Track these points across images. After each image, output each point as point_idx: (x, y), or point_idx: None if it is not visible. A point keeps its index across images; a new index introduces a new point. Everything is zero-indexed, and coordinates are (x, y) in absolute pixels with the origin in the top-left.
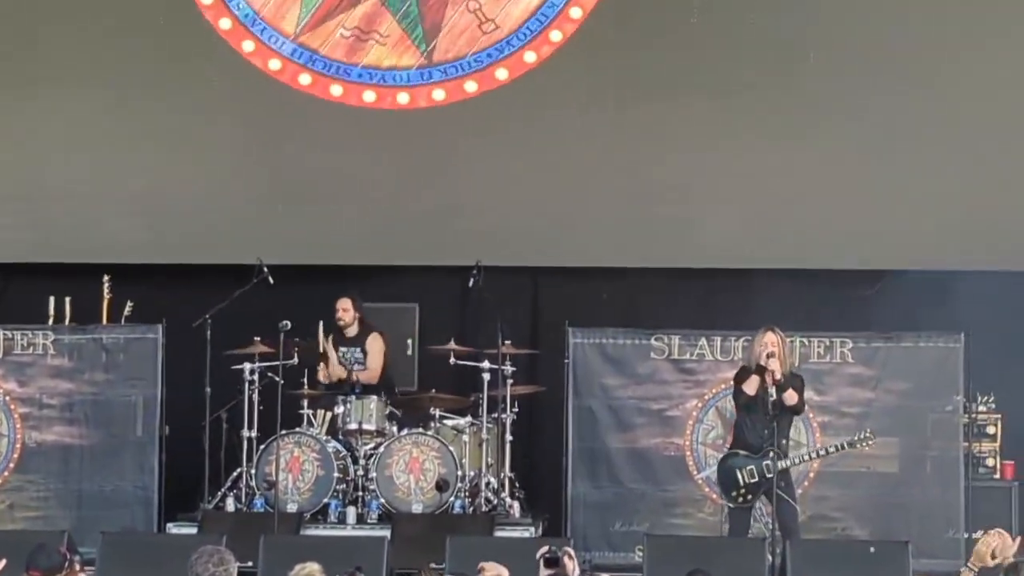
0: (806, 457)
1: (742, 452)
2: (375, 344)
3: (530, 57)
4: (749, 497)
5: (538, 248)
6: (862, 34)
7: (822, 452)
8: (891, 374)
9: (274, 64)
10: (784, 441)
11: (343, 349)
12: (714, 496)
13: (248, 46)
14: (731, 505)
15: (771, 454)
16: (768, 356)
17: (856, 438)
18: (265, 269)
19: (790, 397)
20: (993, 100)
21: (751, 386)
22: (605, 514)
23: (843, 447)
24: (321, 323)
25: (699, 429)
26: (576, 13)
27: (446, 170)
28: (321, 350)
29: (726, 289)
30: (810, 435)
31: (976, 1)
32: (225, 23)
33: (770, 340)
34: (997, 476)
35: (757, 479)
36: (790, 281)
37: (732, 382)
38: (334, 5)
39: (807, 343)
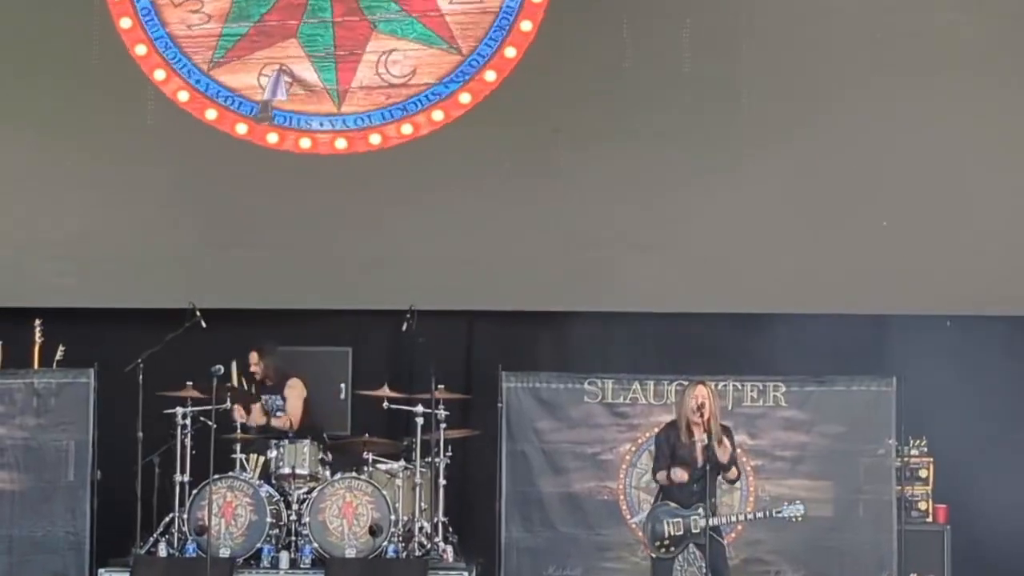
0: (733, 519)
1: (672, 504)
2: (292, 390)
3: (464, 98)
4: (672, 549)
5: (472, 292)
6: (795, 76)
7: (750, 516)
8: (824, 418)
9: (182, 95)
10: (713, 500)
11: (264, 396)
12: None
13: (160, 75)
14: (654, 555)
15: (700, 510)
16: (698, 408)
17: (787, 512)
18: (198, 313)
19: (723, 451)
20: (925, 143)
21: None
22: (539, 558)
23: (771, 515)
24: (235, 363)
25: (632, 473)
26: (510, 51)
27: (380, 214)
28: (234, 385)
29: (659, 333)
30: (743, 479)
31: (913, 41)
32: (140, 49)
33: (700, 393)
34: (930, 520)
35: (682, 532)
36: (723, 325)
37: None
38: (250, 47)
39: (740, 387)
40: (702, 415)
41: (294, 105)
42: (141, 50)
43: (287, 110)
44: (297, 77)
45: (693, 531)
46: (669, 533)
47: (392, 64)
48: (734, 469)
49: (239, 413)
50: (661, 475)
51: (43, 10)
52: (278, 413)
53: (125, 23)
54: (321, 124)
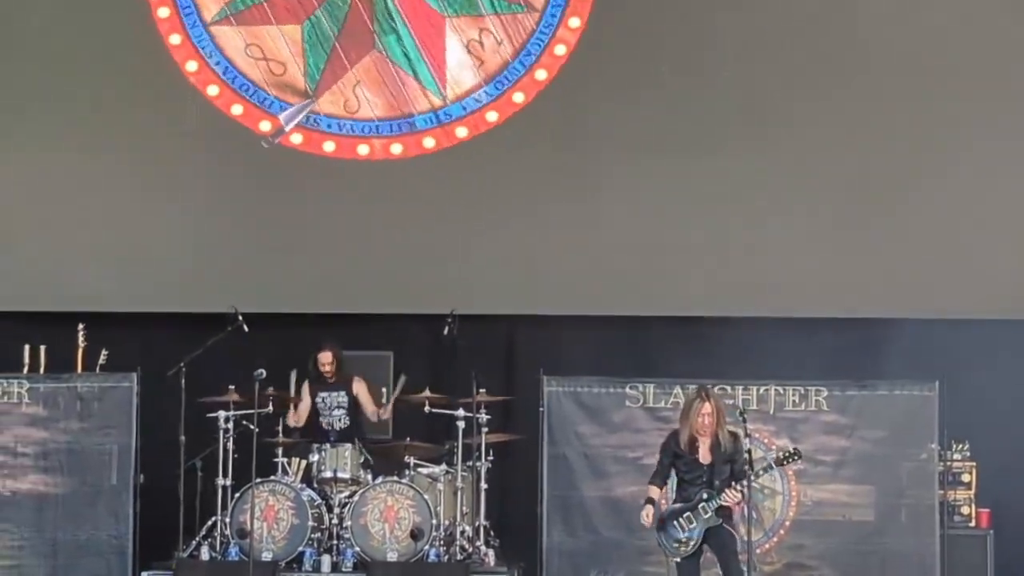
0: (737, 487)
1: (676, 506)
2: (362, 387)
3: (492, 116)
4: (692, 544)
5: (513, 296)
6: (837, 89)
7: (751, 475)
8: (866, 422)
9: (174, 39)
10: (717, 482)
11: (323, 394)
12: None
13: (213, 90)
14: (678, 559)
15: (704, 495)
16: (704, 424)
17: (783, 455)
18: (240, 317)
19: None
20: (966, 145)
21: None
22: (580, 563)
23: (771, 466)
24: (294, 372)
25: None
26: (541, 75)
27: (422, 219)
28: (293, 394)
29: (700, 337)
30: (785, 484)
31: (953, 55)
32: (192, 65)
33: (707, 409)
34: (972, 524)
35: (695, 523)
36: (764, 329)
37: (669, 444)
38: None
39: (782, 391)
40: (708, 428)
41: (405, 109)
42: (192, 66)
43: (397, 117)
44: (394, 84)
45: (704, 516)
46: (684, 529)
47: (478, 42)
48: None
49: (292, 418)
50: (653, 489)
51: (88, 19)
52: (337, 411)
53: (175, 39)
54: (427, 121)
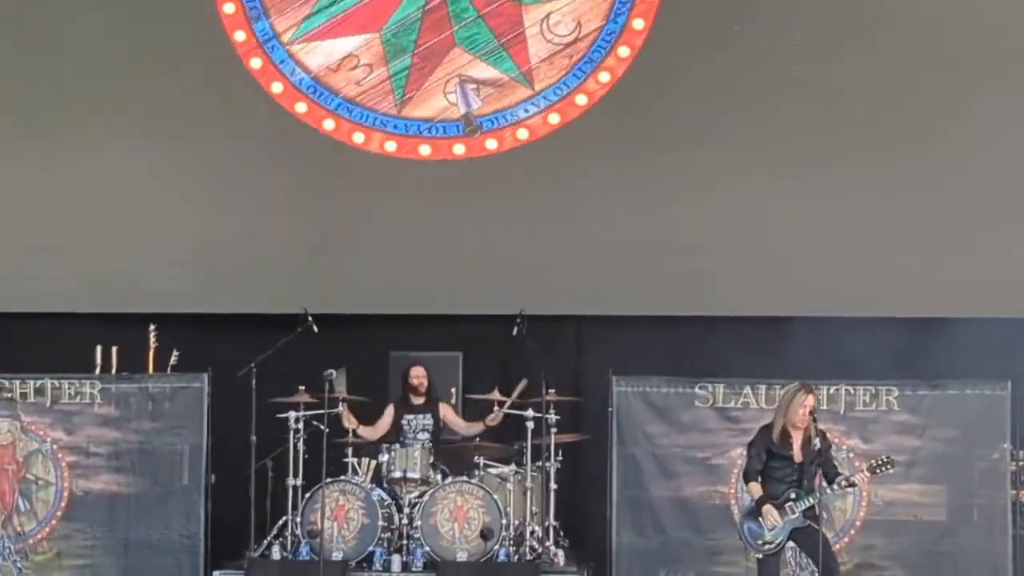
0: (827, 491)
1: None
2: (448, 410)
3: (554, 118)
4: (776, 543)
5: (581, 297)
6: (901, 85)
7: (843, 483)
8: (937, 422)
9: (300, 107)
10: (806, 481)
11: (409, 417)
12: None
13: (277, 88)
14: (759, 555)
15: (792, 494)
16: (808, 415)
17: (876, 463)
18: (310, 318)
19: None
20: None
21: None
22: (649, 563)
23: (864, 473)
24: (343, 369)
25: None
26: (605, 77)
27: (491, 220)
28: (341, 394)
29: (770, 337)
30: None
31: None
32: (277, 87)
33: (810, 403)
34: None
35: (782, 522)
36: (835, 328)
37: (763, 440)
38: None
39: (852, 391)
40: (805, 422)
41: (495, 105)
42: (277, 88)
43: (490, 112)
44: (480, 79)
45: (791, 516)
46: (768, 527)
47: (555, 26)
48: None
49: (349, 420)
50: (755, 487)
51: (166, 24)
52: (422, 434)
53: (255, 63)
54: (527, 110)
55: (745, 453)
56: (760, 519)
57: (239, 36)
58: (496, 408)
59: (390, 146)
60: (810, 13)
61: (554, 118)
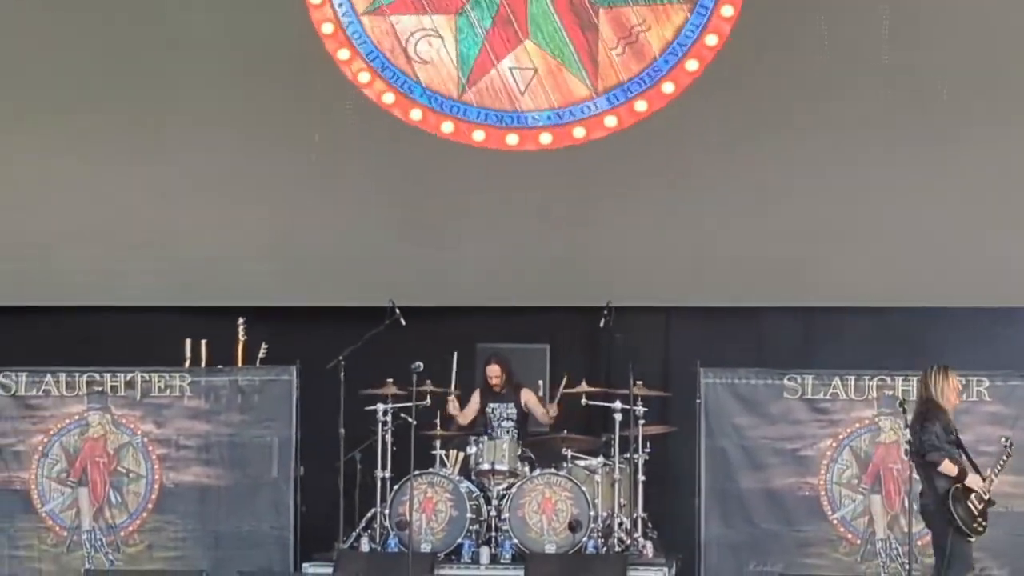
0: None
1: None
2: (530, 396)
3: (641, 106)
4: (984, 522)
5: (668, 288)
6: (995, 66)
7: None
8: None
9: (388, 98)
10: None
11: (493, 405)
12: (849, 536)
13: (364, 77)
14: (972, 538)
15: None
16: (958, 397)
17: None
18: (397, 311)
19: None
20: None
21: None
22: (739, 554)
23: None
24: (455, 355)
25: (834, 469)
26: (692, 65)
27: (578, 212)
28: (454, 384)
29: (859, 328)
30: None
31: None
32: (364, 77)
33: (960, 384)
34: None
35: (983, 503)
36: (924, 319)
37: (940, 419)
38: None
39: None
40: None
41: (557, 99)
42: (344, 55)
43: (551, 108)
44: (547, 75)
45: (985, 496)
46: (976, 509)
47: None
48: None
49: (454, 407)
50: (948, 465)
51: (253, 23)
52: (506, 423)
53: (327, 28)
54: (586, 109)
55: (918, 435)
56: (968, 500)
57: (326, 28)
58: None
59: (478, 135)
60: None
61: (641, 105)
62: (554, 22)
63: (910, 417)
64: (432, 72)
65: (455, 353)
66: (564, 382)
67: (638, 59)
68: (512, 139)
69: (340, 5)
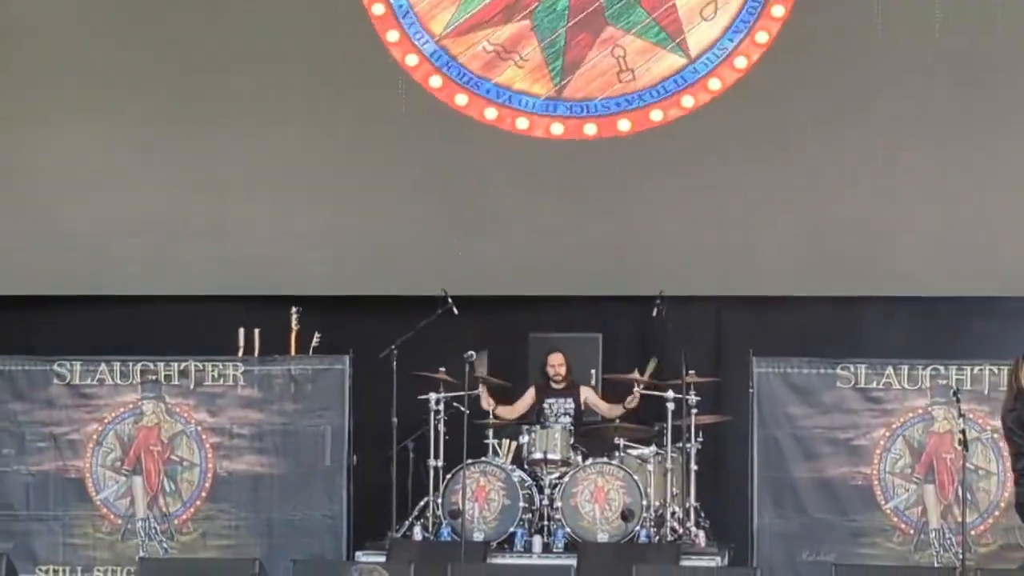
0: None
1: None
2: (590, 392)
3: (688, 101)
4: None
5: (721, 277)
6: None
7: None
8: None
9: (411, 59)
10: None
11: (550, 400)
12: (903, 526)
13: (393, 36)
14: None
15: None
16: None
17: None
18: (450, 300)
19: None
20: None
21: None
22: (792, 544)
23: None
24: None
25: (887, 458)
26: (740, 62)
27: (629, 201)
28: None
29: (911, 318)
30: (1000, 464)
31: None
32: (378, 8)
33: None
34: None
35: None
36: (975, 309)
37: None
38: (486, 17)
39: (996, 371)
40: None
41: (656, 75)
42: (378, 10)
43: (650, 85)
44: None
45: None
46: None
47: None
48: None
49: (487, 402)
50: None
51: (308, 22)
52: (564, 418)
53: (411, 60)
54: (509, 100)
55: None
56: None
57: (392, 36)
58: (636, 388)
59: (522, 123)
60: None
61: (687, 101)
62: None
63: (963, 407)
64: (515, 73)
65: (484, 349)
66: (652, 368)
67: (720, 22)
68: (557, 129)
69: (410, 25)
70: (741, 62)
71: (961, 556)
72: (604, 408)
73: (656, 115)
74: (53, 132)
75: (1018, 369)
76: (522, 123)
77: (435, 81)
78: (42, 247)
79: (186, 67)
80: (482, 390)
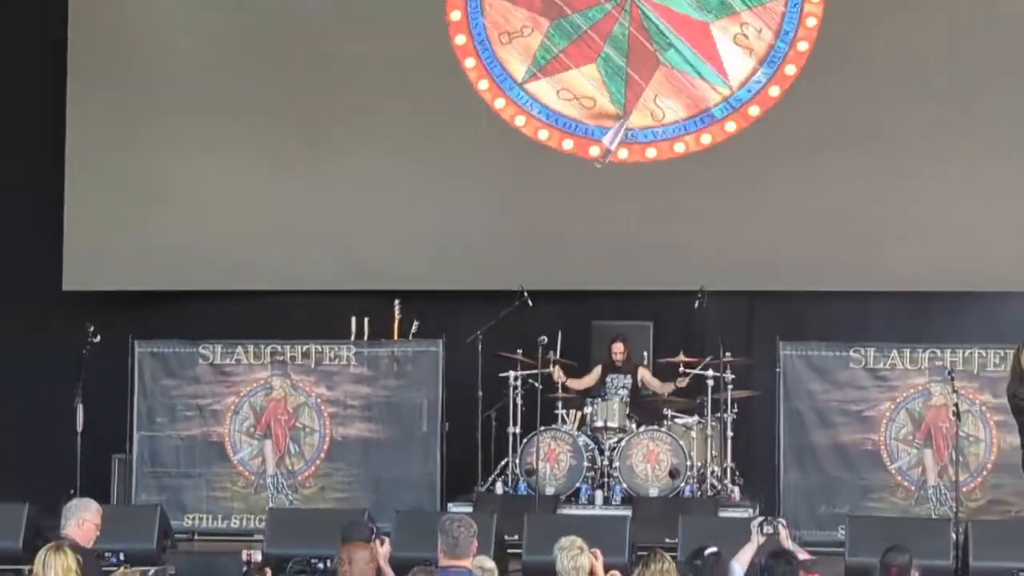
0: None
1: None
2: (646, 373)
3: (731, 126)
4: None
5: (753, 274)
6: None
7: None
8: None
9: (499, 103)
10: None
11: (612, 376)
12: (905, 484)
13: (483, 85)
14: None
15: None
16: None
17: None
18: (526, 294)
19: None
20: None
21: None
22: (812, 498)
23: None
24: (559, 333)
25: (892, 427)
26: (774, 91)
27: (676, 211)
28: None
29: (913, 308)
30: (988, 432)
31: None
32: (470, 62)
33: None
34: None
35: None
36: (969, 301)
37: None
38: (560, 67)
39: (984, 354)
40: None
41: (702, 105)
42: (520, 121)
43: (697, 114)
44: (685, 89)
45: None
46: None
47: (745, 34)
48: None
49: (558, 375)
50: None
51: (406, 58)
52: (621, 391)
53: (499, 103)
54: (724, 110)
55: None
56: None
57: (483, 85)
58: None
59: (593, 150)
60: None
61: (730, 126)
62: (678, 43)
63: (956, 384)
64: (594, 113)
65: (559, 332)
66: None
67: (757, 55)
68: (680, 147)
69: (492, 67)
70: (775, 91)
71: (954, 509)
72: (656, 385)
73: (705, 139)
74: (204, 157)
75: (1020, 354)
76: (594, 151)
77: (519, 120)
78: (192, 250)
79: (311, 103)
80: (554, 368)
